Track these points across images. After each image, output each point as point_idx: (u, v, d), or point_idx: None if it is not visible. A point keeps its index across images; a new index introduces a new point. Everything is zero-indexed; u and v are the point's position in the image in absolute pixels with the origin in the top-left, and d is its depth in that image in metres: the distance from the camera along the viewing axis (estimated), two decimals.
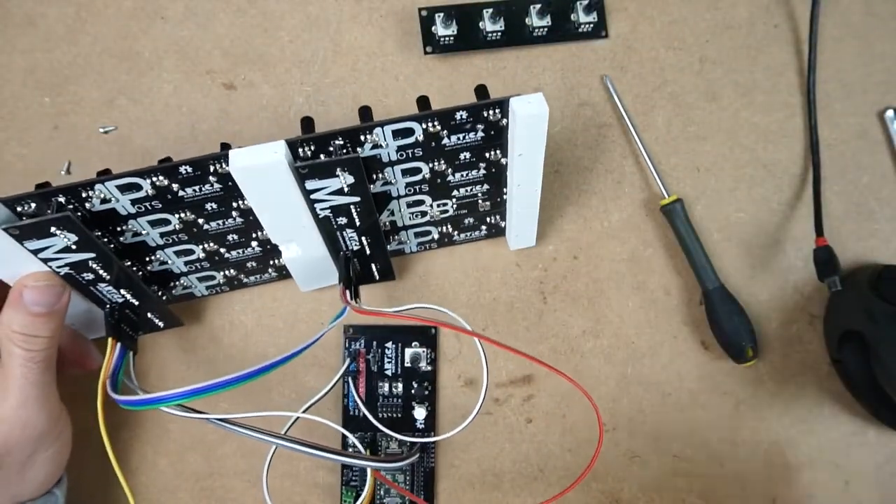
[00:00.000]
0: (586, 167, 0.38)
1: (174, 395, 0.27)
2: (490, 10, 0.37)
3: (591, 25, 0.38)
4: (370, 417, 0.34)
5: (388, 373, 0.36)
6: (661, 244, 0.37)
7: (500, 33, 0.37)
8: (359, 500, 0.32)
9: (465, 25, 0.37)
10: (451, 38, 0.37)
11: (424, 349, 0.36)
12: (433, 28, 0.37)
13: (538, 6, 0.37)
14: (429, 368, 0.36)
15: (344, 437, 0.35)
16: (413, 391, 0.36)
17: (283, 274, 0.36)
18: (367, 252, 0.33)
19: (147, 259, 0.32)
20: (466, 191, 0.33)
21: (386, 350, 0.36)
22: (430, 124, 0.28)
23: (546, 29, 0.38)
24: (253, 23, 0.38)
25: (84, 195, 0.28)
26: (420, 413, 0.35)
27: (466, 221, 0.35)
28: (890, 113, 0.38)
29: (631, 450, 0.36)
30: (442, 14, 0.37)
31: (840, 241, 0.37)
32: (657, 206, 0.37)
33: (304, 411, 0.32)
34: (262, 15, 0.38)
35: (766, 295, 0.37)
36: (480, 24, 0.37)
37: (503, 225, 0.36)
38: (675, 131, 0.38)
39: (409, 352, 0.36)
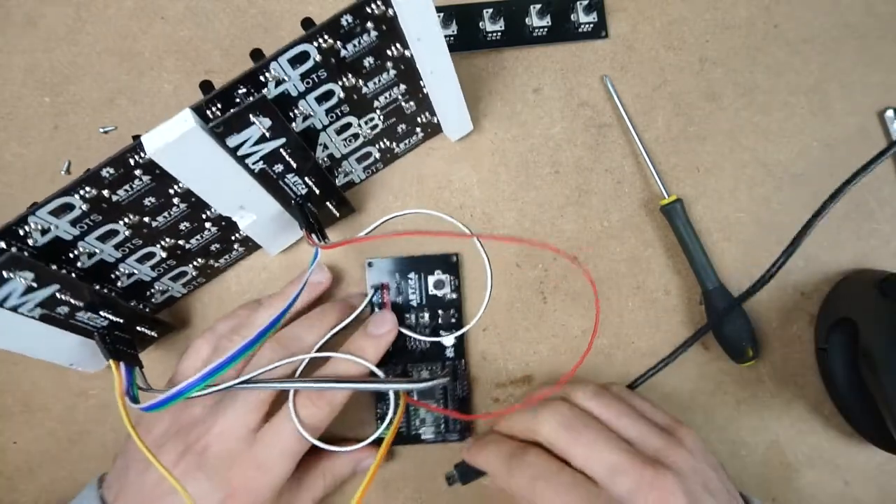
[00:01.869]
0: (586, 167, 0.38)
1: (196, 381, 0.27)
2: (490, 10, 0.37)
3: (591, 25, 0.38)
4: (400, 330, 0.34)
5: (414, 303, 0.36)
6: (661, 244, 0.37)
7: (500, 33, 0.37)
8: (385, 423, 0.31)
9: (465, 25, 0.37)
10: (451, 38, 0.37)
11: (448, 276, 0.36)
12: None
13: (538, 6, 0.37)
14: (454, 296, 0.36)
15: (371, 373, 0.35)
16: (440, 320, 0.36)
17: (250, 245, 0.36)
18: (317, 192, 0.32)
19: (113, 276, 0.32)
20: (386, 97, 0.32)
21: (409, 281, 0.36)
22: (321, 40, 0.27)
23: (546, 29, 0.38)
24: (253, 23, 0.38)
25: (22, 232, 0.27)
26: (449, 340, 0.35)
27: (399, 129, 0.35)
28: (890, 113, 0.38)
29: None
30: (442, 14, 0.37)
31: (840, 241, 0.37)
32: (657, 206, 0.37)
33: (318, 349, 0.32)
34: (262, 15, 0.38)
35: (766, 295, 0.37)
36: (480, 24, 0.37)
37: (436, 120, 0.36)
38: (675, 131, 0.38)
39: (431, 280, 0.36)
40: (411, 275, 0.36)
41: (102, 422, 0.36)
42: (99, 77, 0.38)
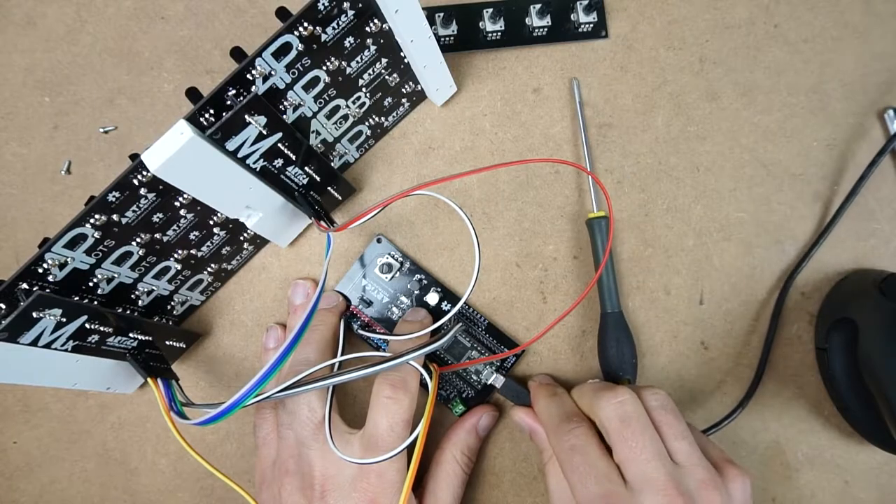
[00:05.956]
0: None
1: (241, 397, 0.28)
2: (490, 10, 0.37)
3: (591, 25, 0.38)
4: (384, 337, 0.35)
5: (385, 299, 0.36)
6: (661, 244, 0.37)
7: (500, 33, 0.37)
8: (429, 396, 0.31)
9: (465, 25, 0.37)
10: (451, 37, 0.37)
11: (386, 256, 0.36)
12: (433, 28, 0.37)
13: (538, 6, 0.37)
14: (407, 265, 0.36)
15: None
16: (416, 294, 0.36)
17: (259, 242, 0.36)
18: (318, 179, 0.33)
19: (133, 296, 0.32)
20: (370, 74, 0.32)
21: (366, 287, 0.36)
22: (301, 29, 0.27)
23: (546, 29, 0.38)
24: (253, 22, 0.38)
25: (41, 270, 0.27)
26: (434, 298, 0.36)
27: (386, 103, 0.35)
28: (890, 113, 0.38)
29: None
30: (442, 14, 0.37)
31: (840, 240, 0.37)
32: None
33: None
34: (262, 15, 0.38)
35: (766, 295, 0.37)
36: (480, 24, 0.37)
37: (420, 88, 0.36)
38: (675, 131, 0.38)
39: (377, 271, 0.36)
40: (364, 282, 0.36)
41: (102, 422, 0.36)
42: (99, 77, 0.38)
